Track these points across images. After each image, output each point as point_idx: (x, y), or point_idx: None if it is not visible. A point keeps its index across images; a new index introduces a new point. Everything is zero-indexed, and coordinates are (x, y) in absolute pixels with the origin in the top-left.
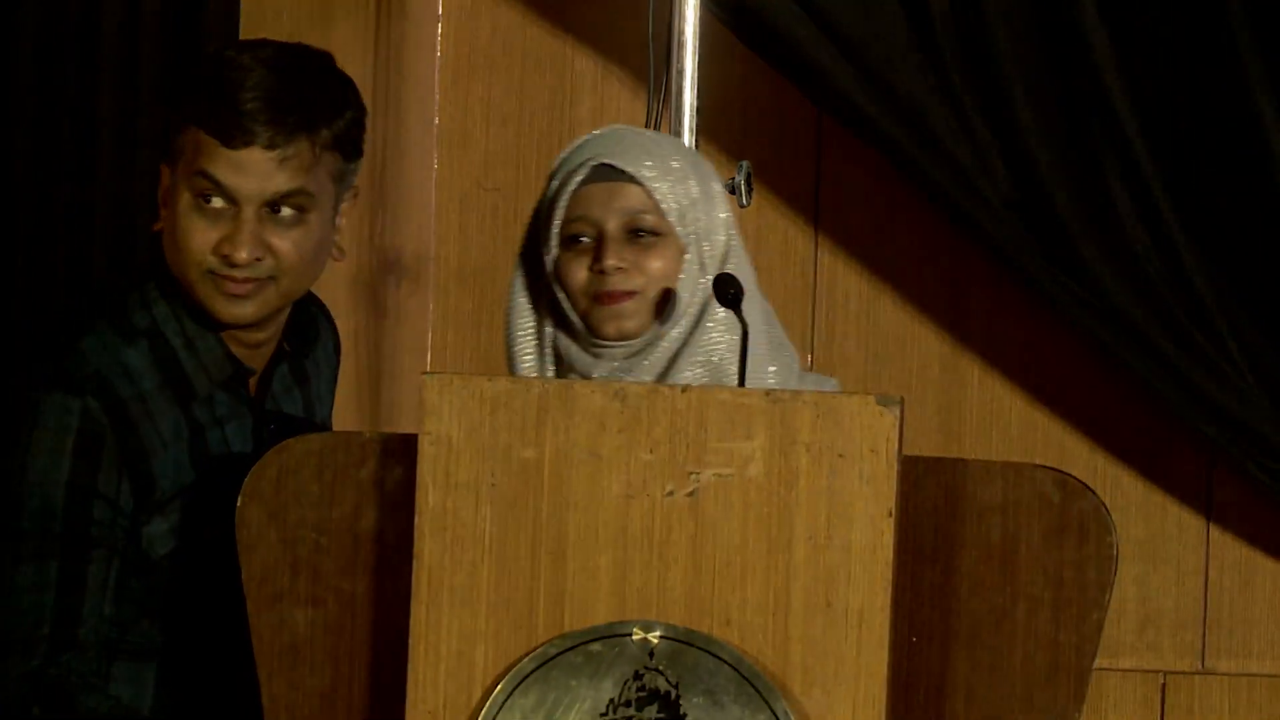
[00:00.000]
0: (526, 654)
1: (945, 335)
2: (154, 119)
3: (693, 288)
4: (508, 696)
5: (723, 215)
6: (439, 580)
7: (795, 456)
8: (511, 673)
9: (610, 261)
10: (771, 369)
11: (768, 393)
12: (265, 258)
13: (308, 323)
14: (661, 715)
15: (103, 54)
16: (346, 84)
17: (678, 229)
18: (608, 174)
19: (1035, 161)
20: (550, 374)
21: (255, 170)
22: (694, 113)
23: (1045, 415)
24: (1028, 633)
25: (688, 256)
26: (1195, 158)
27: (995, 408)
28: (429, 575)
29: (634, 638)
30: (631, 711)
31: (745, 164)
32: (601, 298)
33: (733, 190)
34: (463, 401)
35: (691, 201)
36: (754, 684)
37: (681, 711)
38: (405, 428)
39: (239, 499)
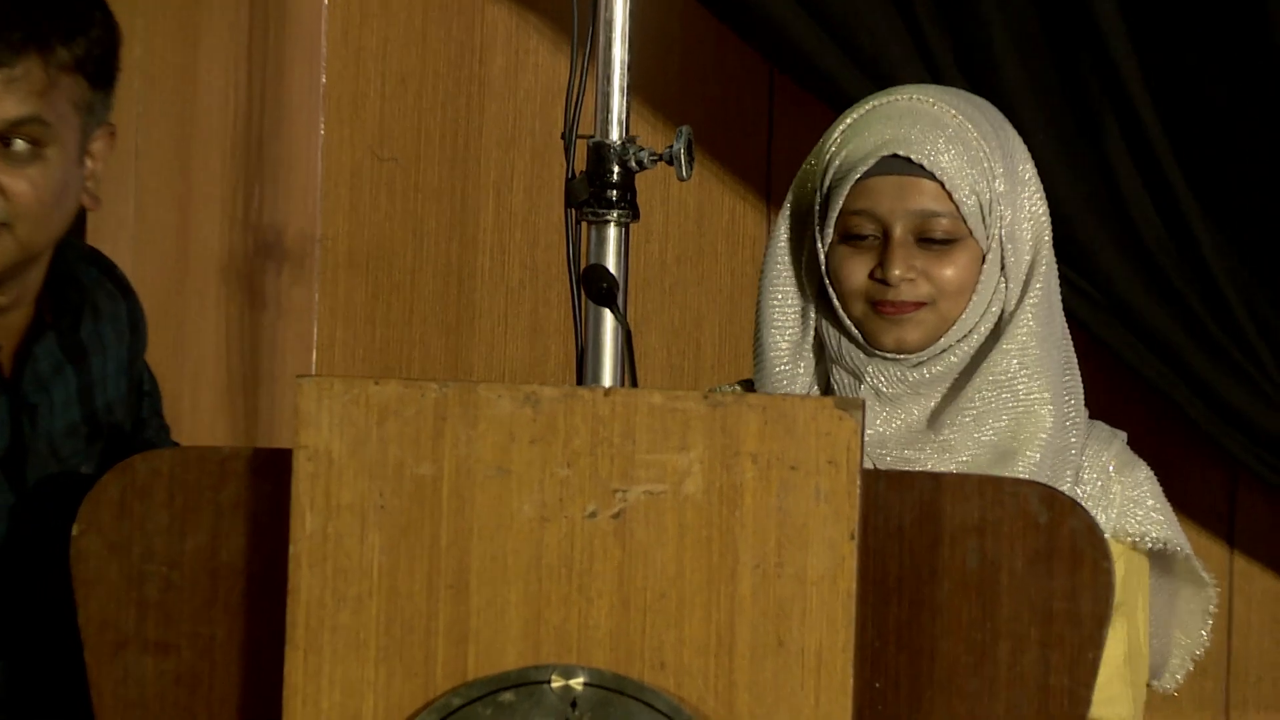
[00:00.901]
0: (424, 707)
1: None
2: None
3: (988, 298)
4: None
5: (1030, 205)
6: (318, 620)
7: (739, 470)
8: None
9: (896, 271)
10: (1046, 412)
11: (705, 396)
12: None
13: (77, 287)
14: None
15: None
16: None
17: (977, 231)
18: (900, 166)
19: (1025, 130)
20: (807, 364)
21: None
22: (625, 71)
23: None
24: (1012, 677)
25: (988, 260)
26: (1212, 128)
27: None
28: (306, 615)
29: (552, 685)
30: None
31: (685, 130)
32: (882, 306)
33: (670, 161)
34: (345, 409)
35: (996, 195)
36: None
37: None
38: (289, 440)
39: (74, 527)
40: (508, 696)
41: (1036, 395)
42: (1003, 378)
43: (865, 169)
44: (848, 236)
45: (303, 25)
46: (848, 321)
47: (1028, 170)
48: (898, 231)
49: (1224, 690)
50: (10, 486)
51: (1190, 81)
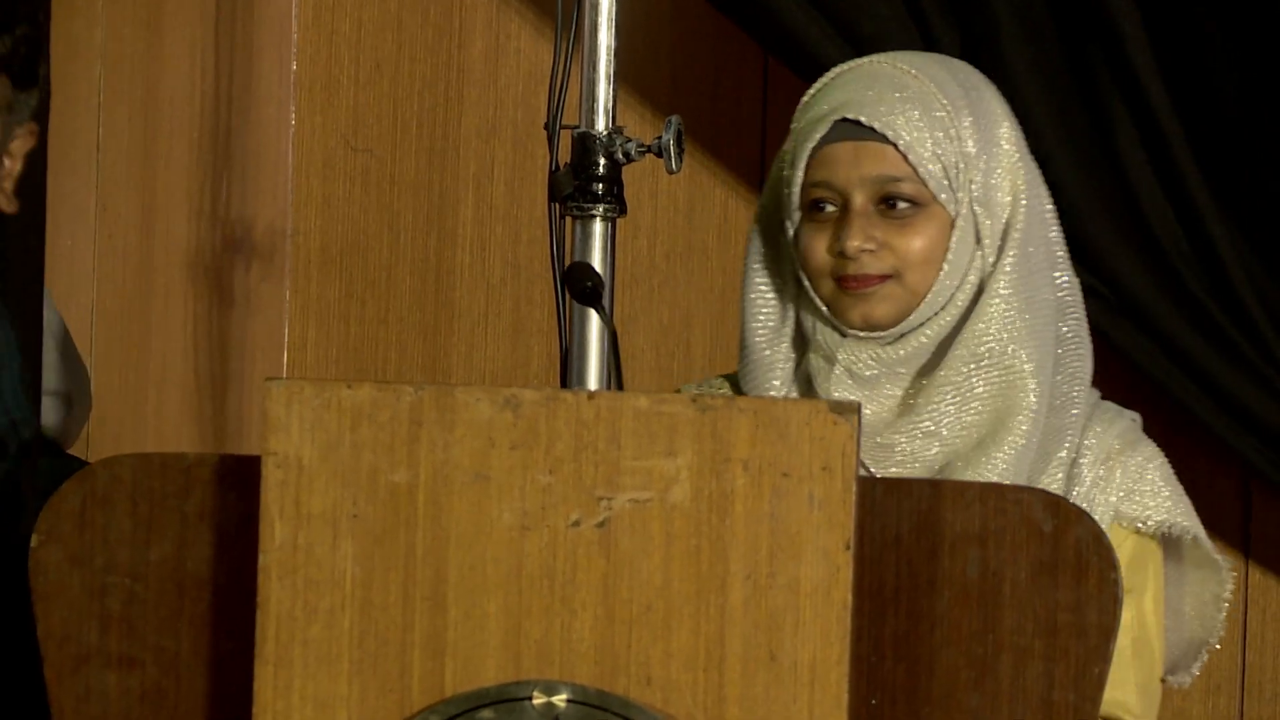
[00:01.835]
0: None
1: None
2: None
3: (964, 268)
4: None
5: (1007, 174)
6: (289, 634)
7: (729, 477)
8: None
9: (854, 243)
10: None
11: (694, 399)
12: None
13: None
14: None
15: None
16: None
17: (943, 196)
18: (853, 131)
19: (1031, 118)
20: (786, 354)
21: None
22: (611, 57)
23: None
24: (1015, 691)
25: (958, 227)
26: (1229, 124)
27: None
28: (276, 628)
29: (534, 702)
30: None
31: (675, 120)
32: (845, 282)
33: (658, 152)
34: (316, 414)
35: (964, 157)
36: None
37: None
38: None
39: (33, 538)
40: (487, 714)
41: (1018, 369)
42: (980, 350)
43: (819, 136)
44: (810, 209)
45: (273, 9)
46: (817, 301)
47: (1006, 131)
48: (857, 201)
49: (1239, 707)
50: None
51: (1206, 74)
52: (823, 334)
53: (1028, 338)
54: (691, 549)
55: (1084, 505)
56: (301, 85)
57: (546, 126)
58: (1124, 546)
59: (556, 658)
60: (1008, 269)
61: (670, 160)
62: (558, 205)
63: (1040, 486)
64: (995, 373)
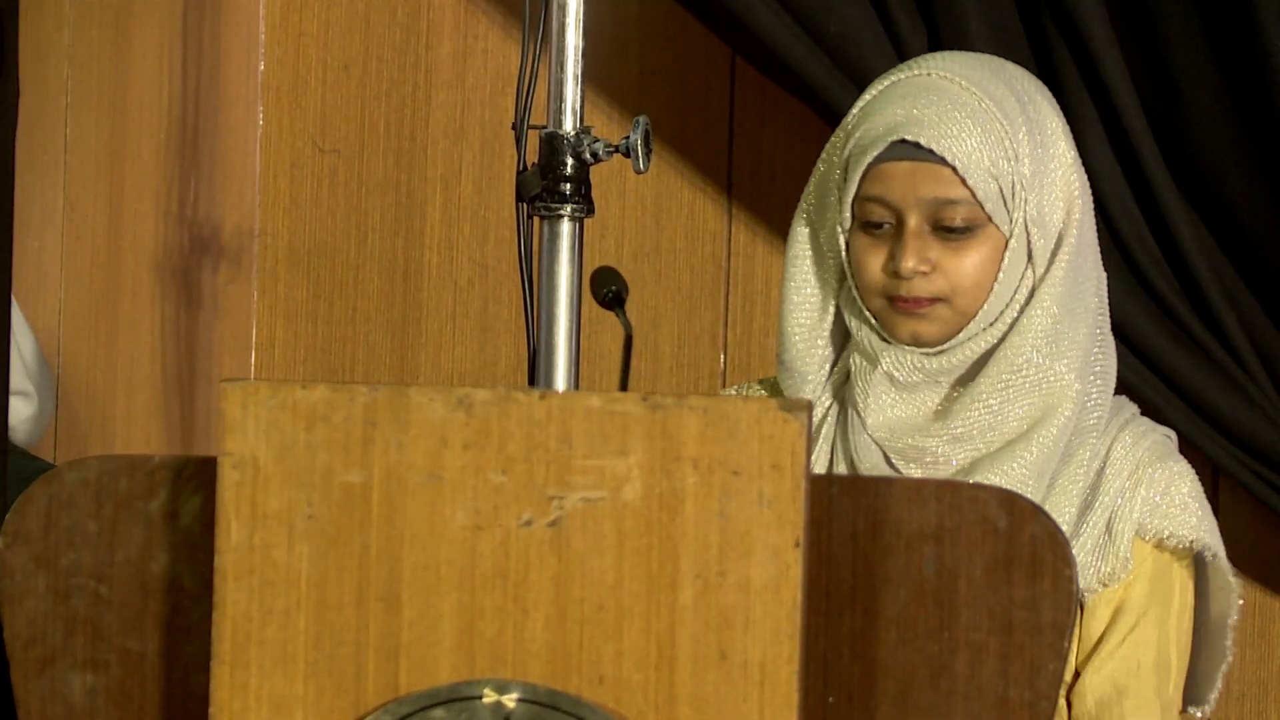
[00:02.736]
0: None
1: None
2: None
3: (1014, 286)
4: None
5: (1061, 185)
6: (245, 634)
7: (680, 475)
8: None
9: (910, 263)
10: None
11: (645, 398)
12: None
13: None
14: None
15: None
16: None
17: (998, 217)
18: (911, 151)
19: None
20: (824, 353)
21: None
22: (579, 58)
23: None
24: (970, 689)
25: (1010, 247)
26: (1196, 117)
27: None
28: (233, 628)
29: (485, 700)
30: None
31: (643, 120)
32: (898, 302)
33: (626, 153)
34: (271, 415)
35: (1020, 177)
36: None
37: None
38: None
39: (0, 541)
40: (439, 713)
41: (1058, 380)
42: (1019, 361)
43: (877, 153)
44: (865, 224)
45: (240, 9)
46: (866, 312)
47: (1059, 144)
48: (911, 222)
49: None
50: None
51: (1173, 75)
52: (868, 338)
53: (1069, 347)
54: (642, 548)
55: (1105, 514)
56: (269, 86)
57: (514, 127)
58: (1145, 562)
59: (509, 657)
60: (1057, 283)
61: (638, 160)
62: (525, 205)
63: (1060, 487)
64: (1033, 384)
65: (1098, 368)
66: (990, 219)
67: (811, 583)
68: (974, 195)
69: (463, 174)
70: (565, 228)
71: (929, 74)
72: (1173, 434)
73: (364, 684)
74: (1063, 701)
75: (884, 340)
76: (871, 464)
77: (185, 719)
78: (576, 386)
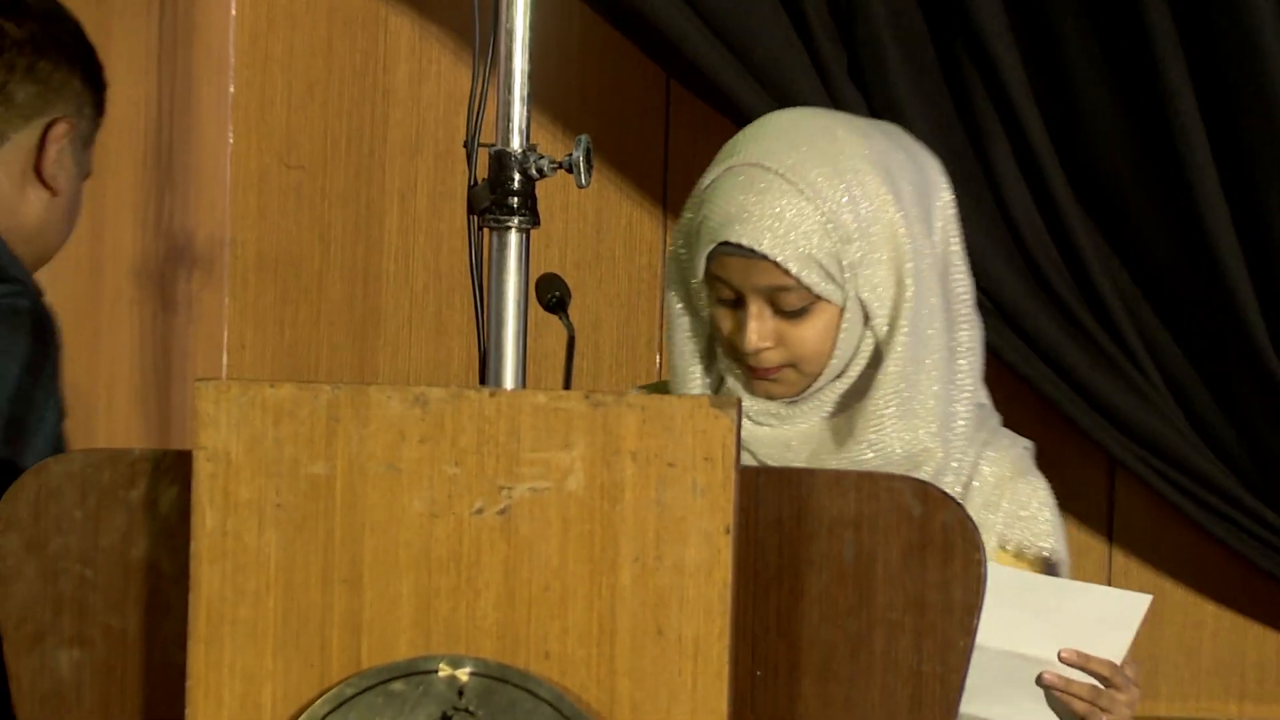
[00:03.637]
0: (319, 695)
1: None
2: None
3: (855, 344)
4: None
5: (889, 249)
6: (218, 614)
7: (619, 467)
8: (303, 716)
9: (752, 340)
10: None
11: (587, 395)
12: None
13: None
14: None
15: None
16: None
17: (828, 289)
18: (737, 249)
19: (912, 134)
20: (709, 380)
21: None
22: (526, 80)
23: None
24: (887, 663)
25: (847, 316)
26: (1093, 132)
27: None
28: (207, 608)
29: (440, 674)
30: None
31: (584, 139)
32: (747, 370)
33: (569, 169)
34: (242, 411)
35: (845, 255)
36: None
37: None
38: None
39: None
40: (398, 685)
41: (915, 437)
42: (876, 421)
43: (712, 247)
44: (717, 298)
45: (211, 35)
46: (728, 363)
47: (885, 211)
48: (752, 306)
49: None
50: None
51: (1073, 95)
52: (731, 383)
53: (920, 407)
54: (585, 534)
55: None
56: (238, 106)
57: (465, 145)
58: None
59: (463, 634)
60: (902, 338)
61: (580, 176)
62: (476, 218)
63: None
64: (895, 437)
65: (960, 409)
66: (820, 297)
67: (740, 565)
68: (800, 282)
69: (418, 188)
70: (513, 238)
71: (754, 164)
72: (1031, 445)
73: (329, 659)
74: None
75: (745, 389)
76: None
77: (164, 691)
78: (524, 385)
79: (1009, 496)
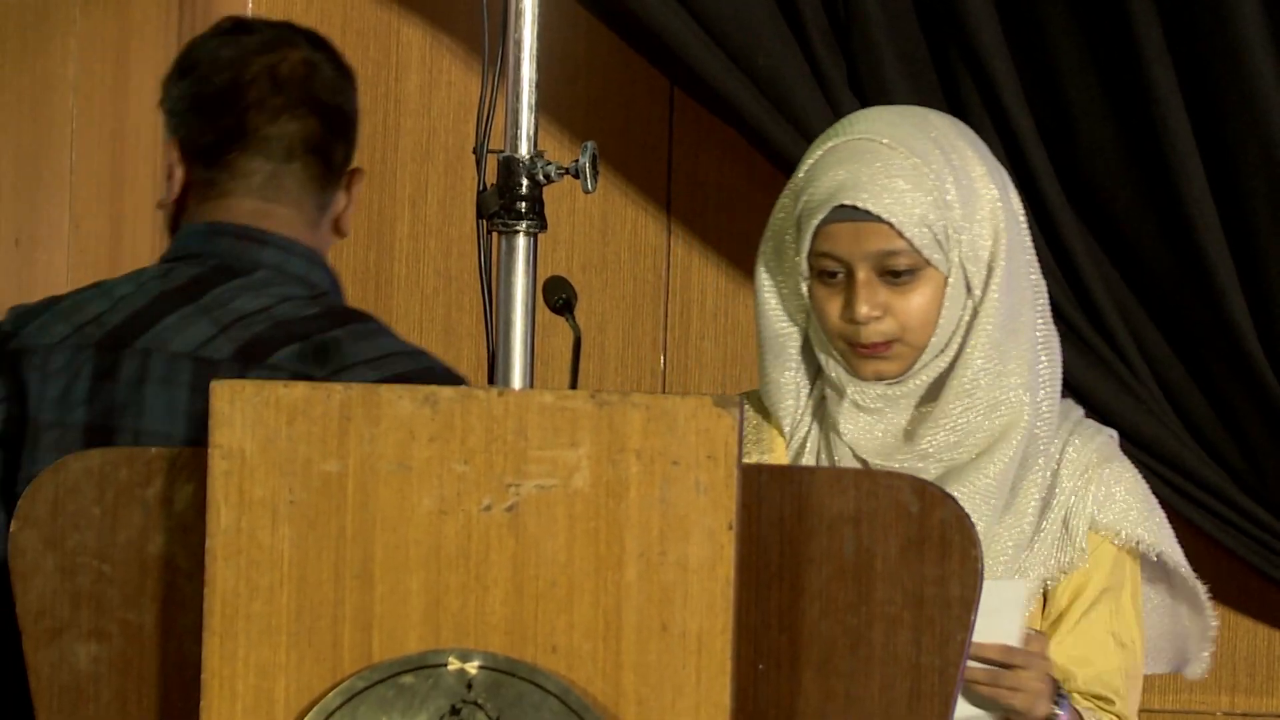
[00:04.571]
0: (331, 688)
1: None
2: None
3: (957, 316)
4: None
5: (988, 220)
6: (233, 608)
7: (625, 465)
8: (315, 709)
9: (863, 309)
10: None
11: (593, 395)
12: None
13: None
14: None
15: None
16: None
17: (936, 258)
18: (852, 213)
19: None
20: (799, 378)
21: None
22: (533, 88)
23: None
24: (886, 657)
25: (950, 284)
26: (1085, 139)
27: None
28: (222, 603)
29: (450, 668)
30: None
31: (590, 145)
32: (857, 348)
33: (575, 174)
34: (256, 410)
35: (951, 223)
36: (583, 717)
37: None
38: None
39: (12, 524)
40: (408, 679)
41: (1009, 394)
42: (970, 384)
43: (823, 216)
44: (820, 274)
45: None
46: (832, 350)
47: (983, 184)
48: (860, 273)
49: None
50: None
51: (1067, 104)
52: (835, 371)
53: (1014, 361)
54: (591, 530)
55: (1062, 512)
56: None
57: (475, 151)
58: (1102, 549)
59: (471, 629)
60: (994, 304)
61: (586, 181)
62: (485, 222)
63: (1022, 491)
64: (988, 403)
65: (1044, 374)
66: (929, 262)
67: (743, 562)
68: (912, 245)
69: (428, 194)
70: (521, 242)
71: (861, 138)
72: (1115, 434)
73: (340, 653)
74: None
75: (849, 374)
76: None
77: (180, 684)
78: (531, 385)
79: (1097, 482)
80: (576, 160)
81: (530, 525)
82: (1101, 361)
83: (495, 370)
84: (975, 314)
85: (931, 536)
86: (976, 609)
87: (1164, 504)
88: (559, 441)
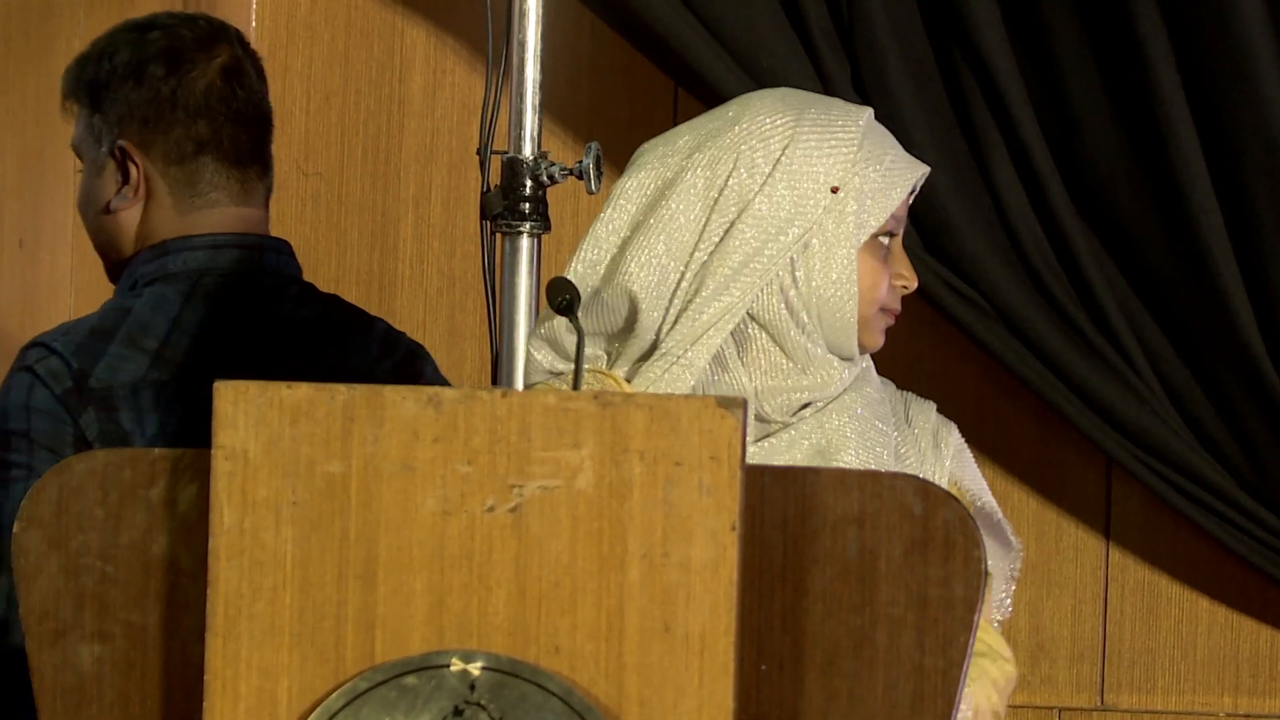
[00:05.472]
0: (334, 689)
1: None
2: None
3: None
4: None
5: None
6: (236, 609)
7: (628, 466)
8: (318, 710)
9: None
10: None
11: (596, 396)
12: None
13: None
14: None
15: None
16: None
17: None
18: (921, 180)
19: (912, 142)
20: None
21: None
22: (537, 89)
23: None
24: (890, 658)
25: None
26: (1089, 139)
27: None
28: (225, 604)
29: (452, 669)
30: None
31: (594, 146)
32: (890, 313)
33: (579, 175)
34: (260, 411)
35: None
36: (585, 718)
37: None
38: None
39: (16, 524)
40: (411, 679)
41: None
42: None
43: (916, 177)
44: (879, 237)
45: None
46: (848, 321)
47: None
48: (900, 237)
49: (1100, 674)
50: None
51: (1071, 106)
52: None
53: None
54: (594, 531)
55: (921, 474)
56: None
57: (479, 152)
58: None
59: (474, 629)
60: None
61: (590, 182)
62: (489, 223)
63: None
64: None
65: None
66: None
67: (746, 563)
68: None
69: (432, 195)
70: (525, 243)
71: (878, 123)
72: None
73: (343, 654)
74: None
75: (866, 345)
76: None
77: (183, 685)
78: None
79: (946, 444)
80: (580, 161)
81: (533, 526)
82: (1106, 363)
83: (499, 371)
84: None
85: (935, 538)
86: (980, 610)
87: (1167, 505)
88: (562, 442)
